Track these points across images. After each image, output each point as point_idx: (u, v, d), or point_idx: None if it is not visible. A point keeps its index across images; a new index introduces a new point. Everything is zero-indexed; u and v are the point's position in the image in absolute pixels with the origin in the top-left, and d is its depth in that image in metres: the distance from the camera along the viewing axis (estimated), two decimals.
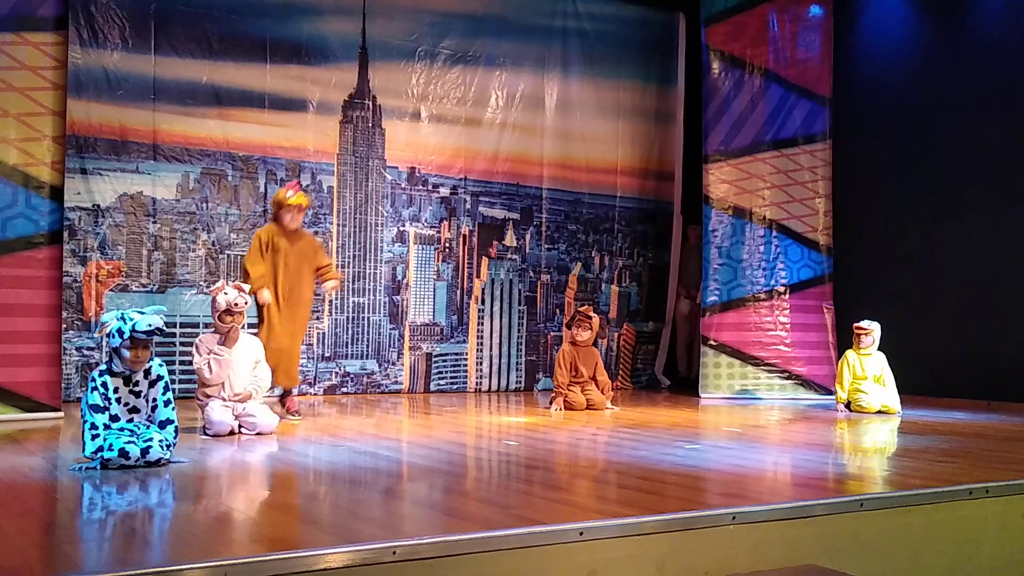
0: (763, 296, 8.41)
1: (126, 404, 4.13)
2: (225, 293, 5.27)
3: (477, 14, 8.64)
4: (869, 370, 7.08)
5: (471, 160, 8.67)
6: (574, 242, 9.25)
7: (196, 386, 5.45)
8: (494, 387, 8.79)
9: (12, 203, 5.89)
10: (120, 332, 4.06)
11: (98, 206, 7.17)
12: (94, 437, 4.00)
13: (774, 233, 8.45)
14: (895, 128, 8.43)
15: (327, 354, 8.01)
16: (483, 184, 8.76)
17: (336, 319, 8.03)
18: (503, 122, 8.80)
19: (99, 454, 3.97)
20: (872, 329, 7.12)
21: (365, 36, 8.17)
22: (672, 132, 9.56)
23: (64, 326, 6.65)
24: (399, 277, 8.38)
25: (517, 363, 8.91)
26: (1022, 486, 3.87)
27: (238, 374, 5.32)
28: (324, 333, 7.99)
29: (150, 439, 4.03)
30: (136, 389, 4.17)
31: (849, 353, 7.20)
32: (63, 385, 6.44)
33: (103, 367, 4.18)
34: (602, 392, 7.08)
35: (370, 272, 8.24)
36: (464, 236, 8.69)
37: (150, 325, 4.05)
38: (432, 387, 8.49)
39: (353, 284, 8.16)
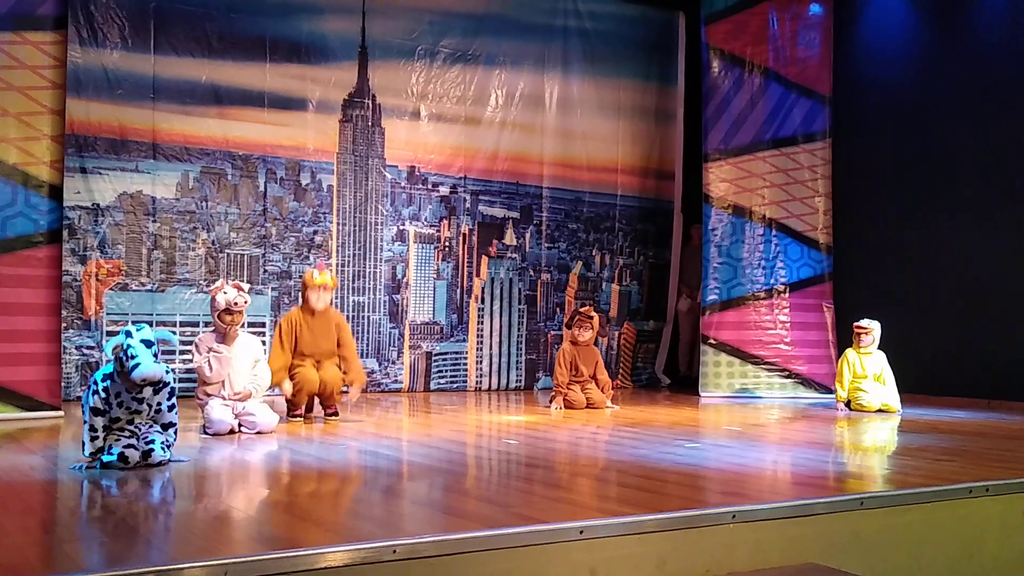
0: (763, 295, 8.41)
1: (128, 408, 4.11)
2: (224, 292, 5.27)
3: (477, 13, 8.63)
4: (869, 369, 7.08)
5: (471, 159, 8.67)
6: (574, 241, 9.25)
7: (196, 385, 5.45)
8: (494, 386, 8.79)
9: (12, 202, 5.88)
10: (121, 363, 3.98)
11: (98, 205, 7.16)
12: (93, 439, 4.00)
13: (774, 232, 8.45)
14: (895, 127, 8.43)
15: None
16: (483, 183, 8.76)
17: None
18: (503, 121, 8.80)
19: (98, 457, 3.97)
20: (872, 328, 7.12)
21: (365, 35, 8.17)
22: (672, 131, 9.55)
23: (64, 325, 6.65)
24: (399, 276, 8.38)
25: (517, 362, 8.91)
26: (1022, 485, 3.86)
27: (238, 373, 5.31)
28: None
29: (152, 441, 4.02)
30: (139, 396, 4.13)
31: (849, 352, 7.20)
32: (63, 384, 6.44)
33: (107, 369, 4.15)
34: (602, 391, 7.07)
35: (370, 271, 8.24)
36: (464, 235, 8.69)
37: (144, 378, 3.93)
38: (432, 386, 8.49)
39: (353, 283, 8.16)
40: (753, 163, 8.49)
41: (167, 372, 4.10)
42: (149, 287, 7.33)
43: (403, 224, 8.40)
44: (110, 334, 4.19)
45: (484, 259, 8.77)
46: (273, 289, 7.77)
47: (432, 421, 6.35)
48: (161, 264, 7.39)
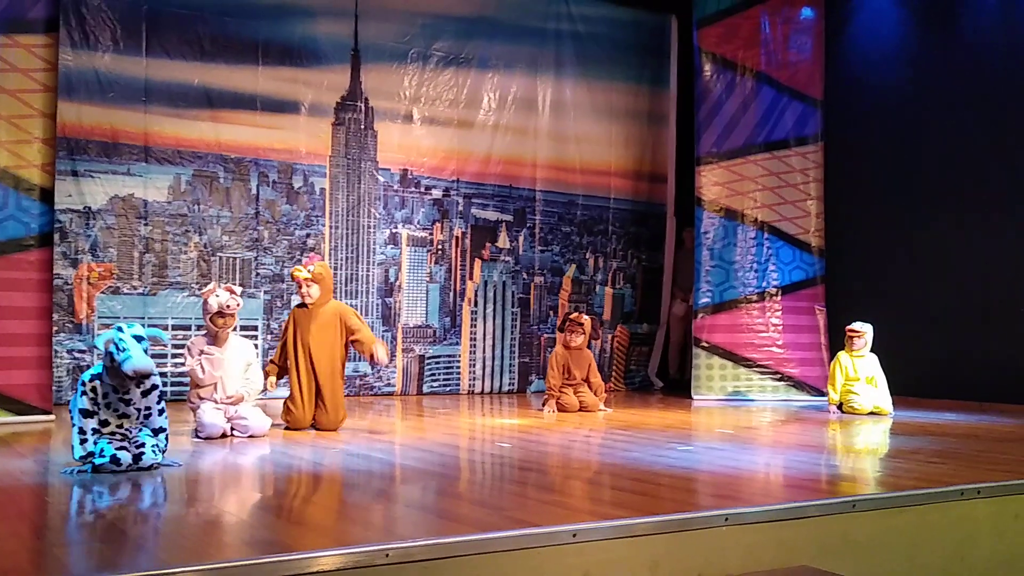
0: (755, 298, 8.43)
1: (115, 410, 4.10)
2: (216, 295, 5.26)
3: (469, 16, 8.64)
4: (861, 372, 7.10)
5: (464, 162, 8.67)
6: (568, 244, 9.25)
7: (188, 388, 5.44)
8: (487, 389, 8.78)
9: (3, 205, 5.85)
10: (112, 358, 3.98)
11: (89, 208, 7.14)
12: (83, 442, 3.98)
13: (766, 235, 8.47)
14: (886, 130, 8.46)
15: None
16: (476, 186, 8.76)
17: None
18: (496, 124, 8.80)
19: (89, 459, 3.95)
20: (864, 331, 7.14)
21: (357, 38, 8.17)
22: (665, 134, 9.57)
23: (55, 328, 6.62)
24: (392, 279, 8.37)
25: (510, 365, 8.91)
26: (1014, 487, 3.88)
27: (230, 376, 5.30)
28: None
29: (142, 444, 4.01)
30: (127, 397, 4.13)
31: (841, 355, 7.21)
32: (54, 388, 6.42)
33: (94, 370, 4.15)
34: (595, 394, 7.08)
35: (363, 274, 8.23)
36: (457, 238, 8.69)
37: (135, 371, 3.95)
38: (425, 389, 8.48)
39: (346, 287, 8.14)
40: (745, 166, 8.51)
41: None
42: (141, 290, 7.31)
43: (396, 227, 8.39)
44: (104, 353, 4.15)
45: (477, 262, 8.77)
46: (266, 292, 7.76)
47: (425, 424, 6.34)
48: (153, 267, 7.37)
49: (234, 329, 5.42)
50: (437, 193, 8.58)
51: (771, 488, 4.15)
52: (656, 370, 9.65)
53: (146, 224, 7.35)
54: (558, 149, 9.12)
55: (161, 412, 4.19)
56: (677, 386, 9.33)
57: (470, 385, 8.71)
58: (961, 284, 7.83)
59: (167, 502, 3.60)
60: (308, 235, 7.98)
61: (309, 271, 5.64)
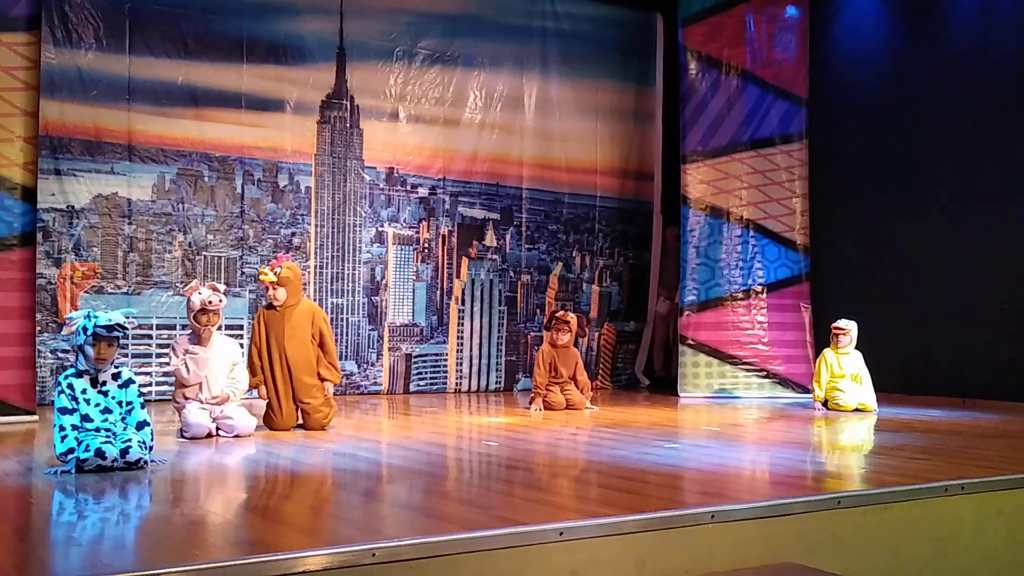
0: (741, 295, 8.46)
1: (96, 405, 4.09)
2: (199, 292, 5.24)
3: (455, 14, 8.62)
4: (846, 369, 7.13)
5: (450, 160, 8.66)
6: (554, 242, 9.26)
7: (173, 388, 5.41)
8: (474, 388, 8.78)
9: None
10: (84, 330, 4.05)
11: (72, 207, 7.09)
12: (63, 439, 3.98)
13: (751, 233, 8.49)
14: (871, 128, 8.51)
15: None
16: (462, 184, 8.75)
17: None
18: (482, 122, 8.79)
19: (71, 455, 3.93)
20: (849, 328, 7.18)
21: (343, 36, 8.14)
22: (651, 132, 9.59)
23: (38, 328, 6.57)
24: (378, 278, 8.35)
25: (497, 363, 8.90)
26: (997, 483, 3.91)
27: (215, 376, 5.28)
28: None
29: (128, 440, 4.00)
30: (104, 389, 4.13)
31: (827, 352, 7.25)
32: (37, 388, 6.37)
33: (70, 370, 4.16)
34: (581, 392, 7.08)
35: (348, 273, 8.21)
36: (443, 236, 8.67)
37: (110, 320, 4.03)
38: (412, 388, 8.47)
39: (331, 285, 8.12)
40: (730, 164, 8.53)
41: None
42: (125, 290, 7.26)
43: (382, 226, 8.37)
44: (75, 332, 4.16)
45: (464, 260, 8.76)
46: (251, 291, 7.72)
47: (412, 423, 6.34)
48: (137, 267, 7.33)
49: (219, 328, 5.39)
50: (423, 191, 8.57)
51: (757, 485, 4.17)
52: (643, 368, 9.67)
53: (130, 223, 7.30)
54: (544, 147, 9.12)
55: (142, 406, 4.19)
56: (663, 384, 9.35)
57: (457, 384, 8.70)
58: (945, 281, 7.88)
59: (152, 502, 3.58)
60: (294, 234, 7.96)
61: (276, 274, 5.57)
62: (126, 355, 7.00)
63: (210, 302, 5.22)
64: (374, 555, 2.63)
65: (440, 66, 8.56)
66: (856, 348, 7.21)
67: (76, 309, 7.02)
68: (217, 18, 7.57)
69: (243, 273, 7.72)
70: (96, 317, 4.07)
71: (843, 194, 8.61)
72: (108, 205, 7.22)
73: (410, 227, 8.51)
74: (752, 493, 3.88)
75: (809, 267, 8.49)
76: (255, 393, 5.80)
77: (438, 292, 8.64)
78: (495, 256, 8.92)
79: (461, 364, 8.71)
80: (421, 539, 2.75)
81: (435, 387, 8.60)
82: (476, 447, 5.34)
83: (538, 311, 9.12)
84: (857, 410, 6.99)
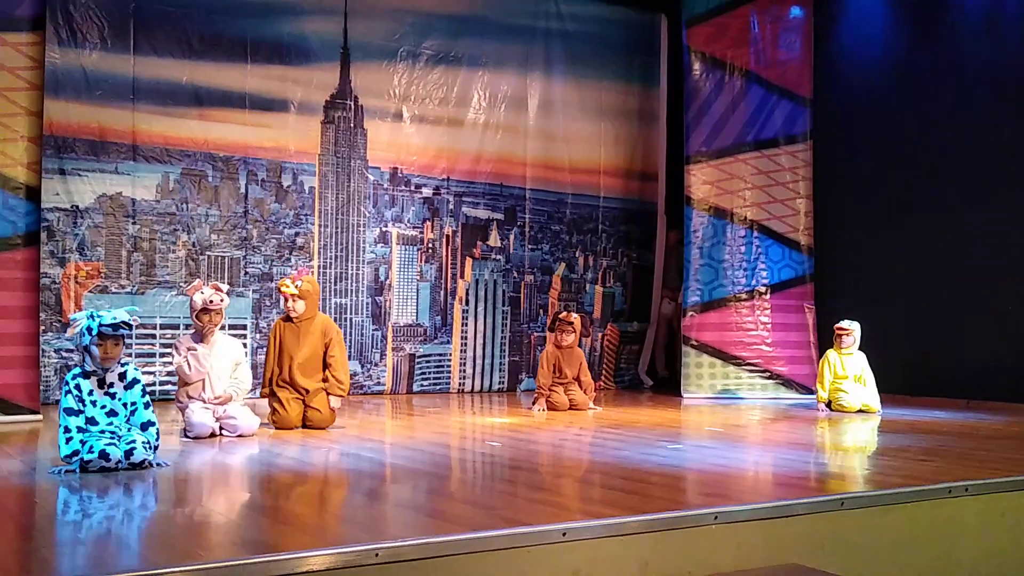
0: (744, 296, 8.45)
1: (103, 406, 4.10)
2: (201, 292, 5.25)
3: (459, 14, 8.63)
4: (850, 369, 7.12)
5: (454, 160, 8.66)
6: (558, 242, 9.25)
7: (176, 388, 5.42)
8: (477, 388, 8.78)
9: None
10: (89, 330, 4.05)
11: (77, 207, 7.10)
12: (68, 440, 3.98)
13: (755, 233, 8.49)
14: (875, 129, 8.49)
15: None
16: (466, 184, 8.75)
17: None
18: (486, 122, 8.79)
19: (75, 457, 3.94)
20: (852, 329, 7.17)
21: (347, 36, 8.15)
22: (655, 133, 9.58)
23: (43, 328, 6.58)
24: (382, 278, 8.36)
25: (500, 364, 8.90)
26: (1001, 485, 3.90)
27: (218, 375, 5.28)
28: None
29: (133, 441, 4.00)
30: (111, 391, 4.13)
31: (830, 353, 7.24)
32: (42, 387, 6.38)
33: (76, 370, 4.16)
34: (585, 393, 7.08)
35: (352, 273, 8.21)
36: (447, 236, 8.68)
37: (115, 319, 4.04)
38: (415, 388, 8.47)
39: (335, 285, 8.13)
40: (734, 165, 8.52)
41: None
42: (129, 289, 7.27)
43: (386, 226, 8.38)
44: (80, 334, 4.18)
45: (468, 261, 8.76)
46: (254, 291, 7.73)
47: (415, 423, 6.34)
48: (141, 266, 7.34)
49: (222, 327, 5.40)
50: (427, 191, 8.57)
51: (760, 486, 4.17)
52: (646, 368, 9.67)
53: (134, 223, 7.31)
54: (548, 148, 9.12)
55: (147, 406, 4.20)
56: (667, 384, 9.35)
57: (460, 384, 8.70)
58: (949, 282, 7.86)
59: (155, 502, 3.58)
60: (297, 234, 7.96)
61: (296, 287, 5.63)
62: (129, 355, 7.01)
63: (212, 301, 5.23)
64: (377, 555, 2.63)
65: (444, 66, 8.57)
66: (860, 349, 7.20)
67: (80, 309, 7.04)
68: (221, 18, 7.58)
69: (247, 273, 7.72)
70: (100, 316, 4.08)
71: (847, 195, 8.60)
72: (112, 205, 7.23)
73: (414, 227, 8.51)
74: (755, 494, 3.88)
75: (813, 268, 8.48)
76: (257, 392, 5.81)
77: (442, 292, 8.64)
78: (499, 256, 8.92)
79: (464, 364, 8.71)
80: (424, 539, 2.75)
81: (438, 387, 8.60)
82: (479, 447, 5.33)
83: (541, 311, 9.12)
84: (861, 411, 6.98)
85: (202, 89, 7.51)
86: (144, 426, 4.15)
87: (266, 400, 5.74)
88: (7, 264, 5.87)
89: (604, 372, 9.44)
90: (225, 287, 5.41)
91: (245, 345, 7.27)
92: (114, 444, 3.97)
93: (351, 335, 8.16)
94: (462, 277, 8.73)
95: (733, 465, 4.47)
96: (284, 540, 2.89)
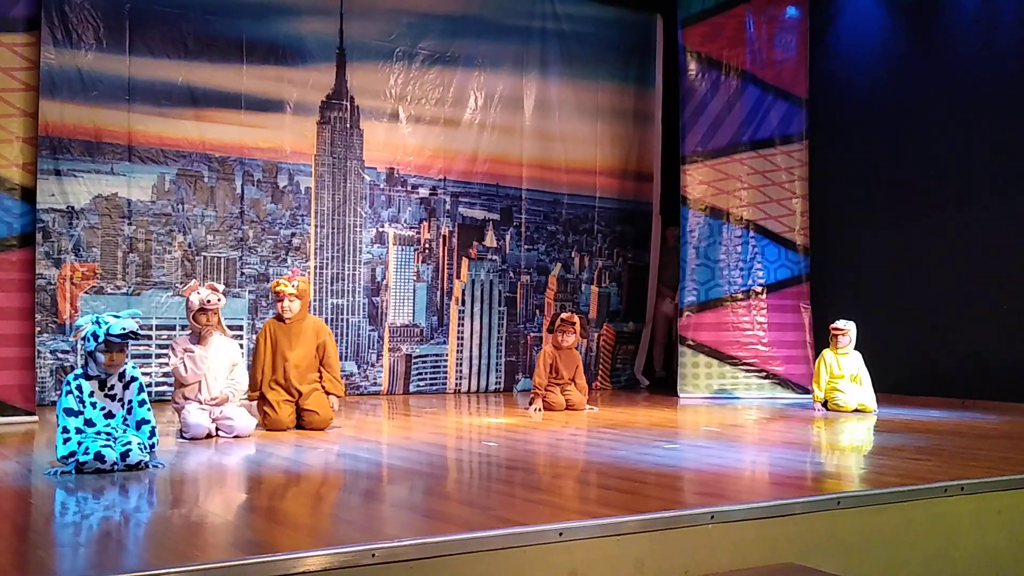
0: (740, 296, 8.46)
1: (102, 408, 4.10)
2: (198, 292, 5.24)
3: (455, 15, 8.63)
4: (846, 369, 7.13)
5: (450, 161, 8.66)
6: (554, 243, 9.26)
7: (173, 389, 5.41)
8: (474, 388, 8.78)
9: None
10: (95, 336, 4.03)
11: (72, 208, 7.09)
12: (66, 441, 3.97)
13: (751, 233, 8.50)
14: (871, 129, 8.51)
15: None
16: (462, 185, 8.75)
17: None
18: (482, 123, 8.79)
19: (72, 458, 3.93)
20: (848, 329, 7.18)
21: (343, 36, 8.14)
22: (650, 133, 9.59)
23: (38, 329, 6.58)
24: (378, 278, 8.35)
25: (497, 364, 8.90)
26: (997, 483, 3.91)
27: (215, 376, 5.28)
28: None
29: (128, 443, 4.00)
30: (111, 393, 4.14)
31: (826, 352, 7.25)
32: (37, 388, 6.37)
33: (78, 371, 4.15)
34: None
35: (349, 273, 8.21)
36: (444, 237, 8.68)
37: (124, 329, 4.02)
38: (411, 388, 8.47)
39: (332, 286, 8.12)
40: (730, 165, 8.53)
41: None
42: (125, 290, 7.26)
43: (382, 226, 8.38)
44: (83, 340, 4.17)
45: (464, 261, 8.76)
46: (250, 292, 7.73)
47: (412, 424, 6.34)
48: (137, 267, 7.33)
49: (219, 323, 5.38)
50: (424, 192, 8.57)
51: (757, 486, 4.17)
52: (642, 368, 9.67)
53: (130, 224, 7.30)
54: (544, 148, 9.12)
55: (143, 404, 4.19)
56: (663, 384, 9.35)
57: (457, 384, 8.70)
58: (944, 282, 7.88)
59: (152, 503, 3.58)
60: (293, 234, 7.96)
61: (293, 286, 5.64)
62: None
63: (208, 301, 5.23)
64: (374, 555, 2.63)
65: (440, 67, 8.57)
66: (856, 349, 7.22)
67: (76, 310, 7.03)
68: (217, 19, 7.58)
69: (243, 274, 7.72)
70: (106, 323, 4.04)
71: (843, 195, 8.61)
72: (108, 206, 7.22)
73: (411, 228, 8.51)
74: (752, 494, 3.88)
75: (809, 268, 8.49)
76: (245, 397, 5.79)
77: (438, 293, 8.64)
78: (495, 257, 8.92)
79: (461, 365, 8.71)
80: (421, 540, 2.75)
81: (435, 388, 8.60)
82: (476, 447, 5.34)
83: (537, 312, 9.12)
84: (857, 411, 6.99)
85: (198, 89, 7.51)
86: (139, 424, 4.15)
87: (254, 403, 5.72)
88: (2, 265, 5.86)
89: (600, 372, 9.44)
90: (221, 287, 5.41)
91: (241, 346, 7.26)
92: (110, 446, 3.96)
93: (348, 335, 8.16)
94: (458, 277, 8.73)
95: (729, 465, 4.47)
96: (280, 541, 2.89)
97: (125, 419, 4.15)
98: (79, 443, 3.97)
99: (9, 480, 3.90)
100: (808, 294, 8.46)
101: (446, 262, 8.68)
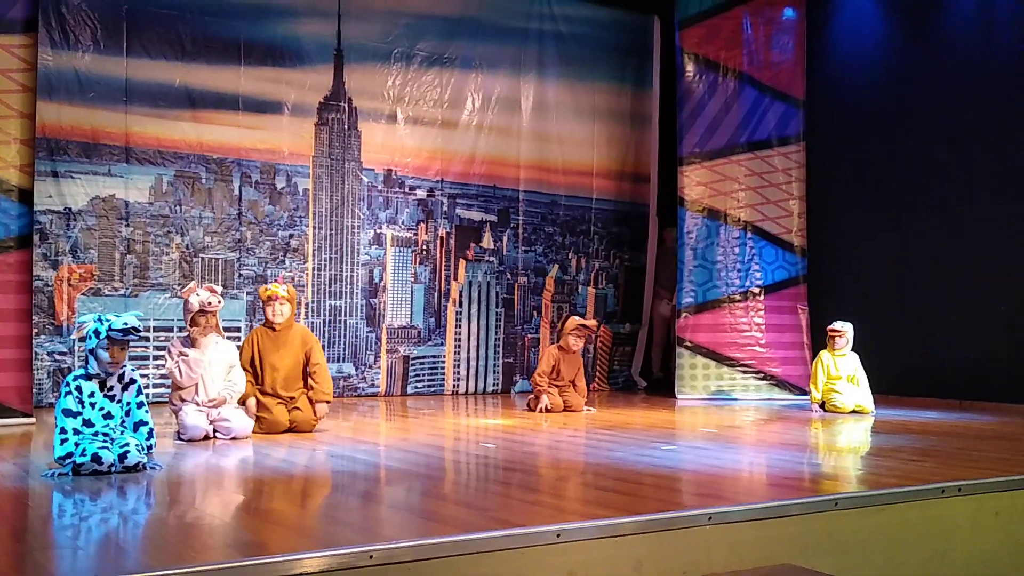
0: (738, 297, 8.46)
1: (100, 409, 4.09)
2: (197, 294, 5.24)
3: (452, 16, 8.63)
4: (843, 370, 7.14)
5: (448, 162, 8.66)
6: (551, 244, 9.26)
7: (170, 391, 5.40)
8: (471, 389, 8.78)
9: None
10: (97, 333, 4.03)
11: (70, 209, 7.09)
12: (63, 442, 3.96)
13: (749, 235, 8.50)
14: (868, 130, 8.52)
15: None
16: (460, 186, 8.75)
17: (312, 322, 7.98)
18: (479, 124, 8.80)
19: (69, 459, 3.93)
20: (845, 330, 7.19)
21: (340, 38, 8.14)
22: (648, 134, 9.60)
23: (35, 331, 6.57)
24: (376, 280, 8.35)
25: (494, 365, 8.90)
26: (994, 484, 3.91)
27: (212, 379, 5.27)
28: None
29: (126, 444, 3.99)
30: (111, 393, 4.13)
31: (823, 353, 7.26)
32: (35, 390, 6.36)
33: (78, 371, 4.15)
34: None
35: (347, 275, 8.21)
36: (441, 238, 8.68)
37: (126, 324, 4.03)
38: (409, 390, 8.47)
39: (330, 287, 8.12)
40: (728, 166, 8.54)
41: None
42: (122, 292, 7.26)
43: (380, 228, 8.37)
44: (82, 340, 4.17)
45: (462, 262, 8.76)
46: (248, 293, 7.72)
47: (409, 425, 6.34)
48: (134, 269, 7.32)
49: (217, 325, 5.38)
50: (421, 193, 8.57)
51: (754, 487, 4.17)
52: (639, 370, 9.68)
53: (127, 225, 7.30)
54: (541, 149, 9.13)
55: (141, 405, 4.19)
56: (661, 385, 9.36)
57: (454, 386, 8.70)
58: (941, 283, 7.89)
59: (149, 505, 3.57)
60: (291, 236, 7.95)
61: (284, 290, 5.65)
62: None
63: (209, 303, 5.22)
64: (371, 557, 2.62)
65: (438, 68, 8.57)
66: (853, 350, 7.22)
67: (73, 312, 7.02)
68: (214, 20, 7.57)
69: (240, 275, 7.71)
70: (108, 320, 4.05)
71: (840, 196, 8.62)
72: (105, 207, 7.21)
73: (408, 229, 8.51)
74: (749, 495, 3.89)
75: (806, 269, 8.50)
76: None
77: (436, 294, 8.64)
78: (492, 258, 8.93)
79: (459, 366, 8.71)
80: (419, 541, 2.75)
81: (433, 389, 8.60)
82: (474, 449, 5.33)
83: (535, 313, 9.12)
84: (854, 412, 7.00)
85: (195, 91, 7.50)
86: (136, 426, 4.15)
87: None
88: (0, 267, 5.85)
89: (598, 373, 9.44)
90: (219, 289, 5.40)
91: (239, 348, 7.24)
92: (107, 447, 3.96)
93: (346, 337, 8.16)
94: (455, 279, 8.73)
95: (727, 466, 4.47)
96: (278, 542, 2.89)
97: (123, 420, 4.15)
98: (76, 444, 3.96)
99: (6, 482, 3.90)
100: (805, 295, 8.46)
101: (443, 263, 8.68)
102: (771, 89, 8.55)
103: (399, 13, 8.37)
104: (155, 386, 7.13)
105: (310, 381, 5.68)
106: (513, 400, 8.23)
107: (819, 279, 8.51)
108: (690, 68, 8.62)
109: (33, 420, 5.91)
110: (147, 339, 7.28)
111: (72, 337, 6.90)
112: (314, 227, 8.06)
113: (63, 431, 3.98)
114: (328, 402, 5.74)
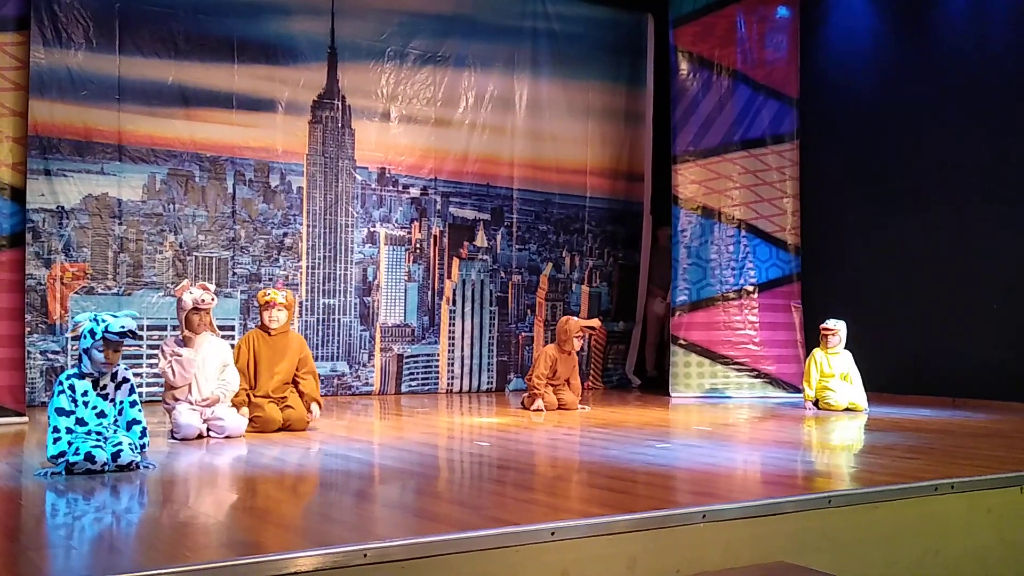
0: (732, 295, 8.48)
1: (94, 407, 4.08)
2: (191, 292, 5.23)
3: (446, 14, 8.62)
4: (836, 368, 7.16)
5: (441, 161, 8.65)
6: (544, 242, 9.26)
7: (163, 390, 5.39)
8: (465, 388, 8.77)
9: None
10: (92, 333, 4.02)
11: (62, 208, 7.06)
12: (56, 440, 3.95)
13: (743, 233, 8.52)
14: (861, 128, 8.54)
15: None
16: (453, 185, 8.74)
17: (306, 321, 7.98)
18: (473, 122, 8.79)
19: (62, 458, 3.92)
20: (838, 329, 7.21)
21: (334, 36, 8.13)
22: (641, 133, 9.60)
23: (28, 330, 6.55)
24: (370, 278, 8.34)
25: (488, 364, 8.90)
26: (987, 482, 3.93)
27: (205, 377, 5.26)
28: None
29: (119, 443, 3.98)
30: (104, 392, 4.12)
31: (816, 351, 7.27)
32: (27, 389, 6.34)
33: (72, 370, 4.14)
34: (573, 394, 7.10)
35: (340, 273, 8.20)
36: (435, 237, 8.67)
37: (123, 327, 4.01)
38: (403, 388, 8.46)
39: (323, 286, 8.11)
40: (722, 164, 8.55)
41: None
42: (115, 290, 7.24)
43: (374, 226, 8.37)
44: (75, 339, 4.17)
45: (455, 261, 8.76)
46: (242, 292, 7.71)
47: (403, 424, 6.33)
48: (128, 267, 7.30)
49: (210, 324, 5.37)
50: (415, 192, 8.57)
51: (748, 485, 4.18)
52: (633, 368, 9.69)
53: (120, 223, 7.28)
54: (535, 148, 9.12)
55: (133, 404, 4.18)
56: (655, 384, 9.37)
57: (448, 384, 8.70)
58: (935, 281, 7.91)
59: (143, 504, 3.57)
60: (285, 234, 7.94)
61: (283, 296, 5.67)
62: None
63: (202, 300, 5.21)
64: (365, 555, 2.62)
65: (431, 66, 8.56)
66: (846, 348, 7.24)
67: (66, 310, 7.00)
68: (208, 18, 7.55)
69: (234, 274, 7.70)
70: (104, 321, 4.03)
71: (834, 194, 8.64)
72: (98, 205, 7.19)
73: (402, 227, 8.50)
74: (743, 492, 3.89)
75: (800, 267, 8.51)
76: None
77: (429, 293, 8.63)
78: (486, 257, 8.92)
79: (452, 364, 8.71)
80: (413, 539, 2.75)
81: (427, 388, 8.59)
82: (468, 447, 5.33)
83: (528, 312, 9.12)
84: (848, 410, 7.02)
85: (188, 89, 7.48)
86: (129, 424, 4.14)
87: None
88: None
89: (592, 372, 9.45)
90: (213, 287, 5.39)
91: (232, 347, 7.24)
92: (100, 446, 3.95)
93: (339, 335, 8.15)
94: (449, 277, 8.73)
95: (721, 464, 4.48)
96: (272, 541, 2.89)
97: (116, 419, 4.14)
98: (69, 443, 3.95)
99: None
100: (799, 293, 8.48)
101: (437, 262, 8.68)
102: (765, 87, 8.56)
103: (393, 11, 8.36)
104: (148, 385, 7.11)
105: (300, 385, 5.69)
106: (507, 398, 8.24)
107: (813, 277, 8.52)
108: (684, 66, 8.63)
109: (26, 419, 5.89)
110: (140, 338, 7.25)
111: (66, 335, 6.89)
112: (308, 225, 8.05)
113: (56, 430, 3.97)
114: (320, 405, 5.75)
